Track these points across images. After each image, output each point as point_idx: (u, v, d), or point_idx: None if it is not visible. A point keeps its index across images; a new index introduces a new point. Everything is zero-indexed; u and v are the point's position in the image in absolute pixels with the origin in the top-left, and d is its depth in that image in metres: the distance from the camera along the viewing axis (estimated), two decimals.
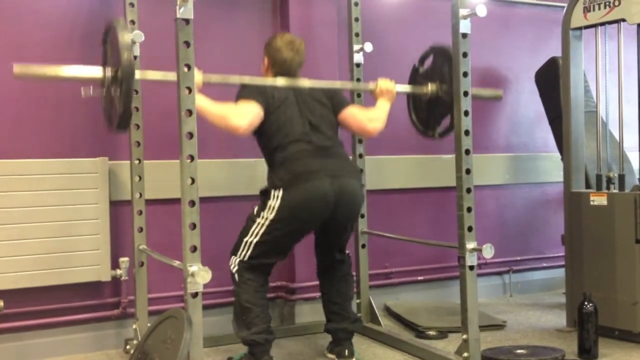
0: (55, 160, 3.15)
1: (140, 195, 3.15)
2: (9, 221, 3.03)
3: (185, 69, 2.34)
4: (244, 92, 2.84)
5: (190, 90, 2.35)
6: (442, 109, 3.11)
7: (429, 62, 3.21)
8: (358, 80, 3.55)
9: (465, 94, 2.81)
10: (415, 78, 3.28)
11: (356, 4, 3.58)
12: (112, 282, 3.28)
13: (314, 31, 3.66)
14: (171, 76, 2.47)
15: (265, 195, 2.83)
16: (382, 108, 3.07)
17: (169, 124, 3.11)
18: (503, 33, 4.44)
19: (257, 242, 2.80)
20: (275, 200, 2.76)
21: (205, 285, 2.35)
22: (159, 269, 3.18)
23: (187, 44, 2.34)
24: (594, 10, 3.39)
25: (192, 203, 2.36)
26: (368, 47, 3.50)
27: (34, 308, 3.14)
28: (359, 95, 3.53)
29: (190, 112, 2.35)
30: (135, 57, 3.06)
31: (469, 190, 2.80)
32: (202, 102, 2.65)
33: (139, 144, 3.14)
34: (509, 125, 4.47)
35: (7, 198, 3.03)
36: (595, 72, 3.48)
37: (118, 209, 3.30)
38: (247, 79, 2.86)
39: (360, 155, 3.54)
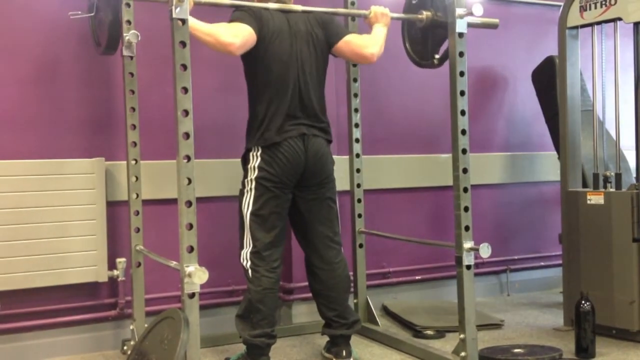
0: (52, 161, 3.14)
1: (137, 195, 3.14)
2: (5, 222, 3.02)
3: (181, 69, 2.34)
4: (237, 14, 2.79)
5: (186, 90, 2.35)
6: (438, 36, 3.09)
7: None
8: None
9: (462, 93, 2.81)
10: (409, 8, 3.24)
11: None
12: (109, 282, 3.28)
13: None
14: None
15: (245, 160, 2.88)
16: (379, 33, 3.01)
17: (166, 124, 3.12)
18: (500, 32, 4.37)
19: (252, 211, 2.81)
20: (255, 160, 2.81)
21: (202, 286, 2.35)
22: (156, 269, 3.18)
23: (183, 44, 2.34)
24: (590, 9, 3.39)
25: (189, 203, 2.36)
26: None
27: (31, 309, 3.14)
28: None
29: (186, 112, 2.35)
30: (131, 58, 3.08)
31: (465, 190, 2.80)
32: (193, 23, 2.57)
33: (135, 144, 3.13)
34: (506, 124, 4.47)
35: (3, 199, 3.02)
36: (591, 71, 3.48)
37: (115, 209, 3.29)
38: (239, 2, 2.81)
39: (358, 155, 3.53)
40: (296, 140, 2.82)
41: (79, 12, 2.67)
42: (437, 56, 3.17)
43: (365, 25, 3.15)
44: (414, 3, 3.22)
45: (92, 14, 2.68)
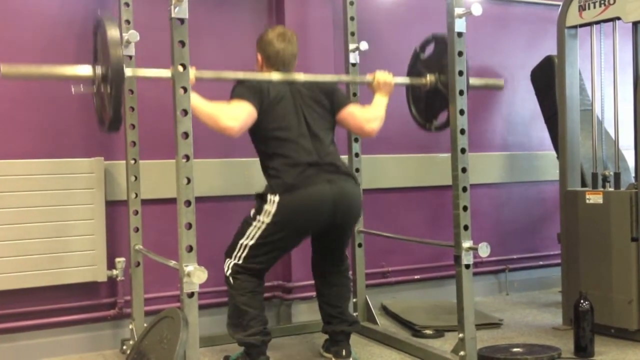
0: (51, 161, 3.14)
1: (136, 195, 3.14)
2: (4, 222, 3.02)
3: (181, 69, 2.34)
4: (238, 90, 2.79)
5: (185, 90, 2.35)
6: (439, 102, 3.08)
7: (429, 50, 3.16)
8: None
9: (461, 92, 2.81)
10: (415, 64, 3.23)
11: (351, 3, 3.57)
12: (108, 282, 3.28)
13: (310, 30, 3.66)
14: (164, 73, 2.45)
15: (261, 199, 2.80)
16: (380, 105, 3.03)
17: (165, 124, 3.12)
18: (499, 32, 4.45)
19: (252, 244, 2.78)
20: (271, 205, 2.74)
21: (201, 285, 2.35)
22: (155, 269, 3.18)
23: (182, 43, 2.34)
24: (589, 8, 3.39)
25: (188, 203, 2.36)
26: (363, 45, 3.48)
27: (30, 309, 3.14)
28: (355, 94, 3.52)
29: (185, 112, 2.35)
30: (130, 57, 3.08)
31: (465, 189, 2.80)
32: (194, 100, 2.57)
33: (134, 143, 3.13)
34: (504, 123, 4.48)
35: (2, 199, 3.02)
36: (590, 71, 3.48)
37: (114, 209, 3.29)
38: (241, 75, 2.83)
39: (357, 155, 3.54)
40: (322, 186, 2.75)
41: (80, 86, 2.60)
42: (435, 124, 3.16)
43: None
44: (421, 61, 3.17)
45: (94, 92, 2.63)
